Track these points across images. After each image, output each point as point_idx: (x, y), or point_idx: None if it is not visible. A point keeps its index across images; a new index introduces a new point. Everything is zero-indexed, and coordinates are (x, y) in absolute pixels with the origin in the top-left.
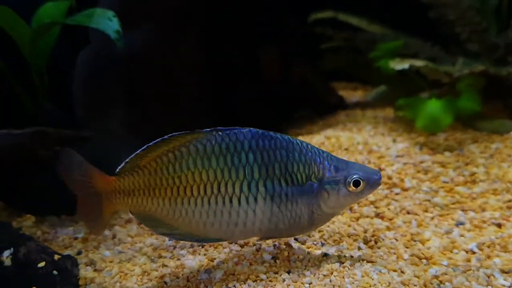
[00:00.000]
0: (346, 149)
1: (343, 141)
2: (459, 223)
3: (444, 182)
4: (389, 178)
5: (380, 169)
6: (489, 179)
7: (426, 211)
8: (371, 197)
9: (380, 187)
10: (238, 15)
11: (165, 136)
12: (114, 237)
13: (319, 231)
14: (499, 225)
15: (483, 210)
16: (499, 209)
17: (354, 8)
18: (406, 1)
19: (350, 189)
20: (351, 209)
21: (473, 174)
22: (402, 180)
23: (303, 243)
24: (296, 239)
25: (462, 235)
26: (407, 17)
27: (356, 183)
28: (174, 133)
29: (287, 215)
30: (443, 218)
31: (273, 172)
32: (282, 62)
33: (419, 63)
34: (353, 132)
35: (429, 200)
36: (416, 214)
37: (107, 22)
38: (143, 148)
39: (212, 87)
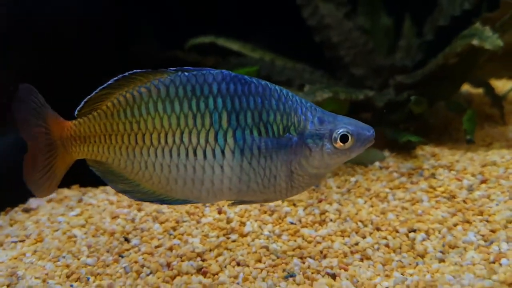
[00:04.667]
0: None
1: None
2: (289, 275)
3: (291, 223)
4: (229, 222)
5: (221, 212)
6: (340, 218)
7: (259, 261)
8: (199, 247)
9: (215, 233)
10: (84, 46)
11: (125, 73)
12: None
13: None
14: (333, 276)
15: (324, 256)
16: (342, 255)
17: (250, 34)
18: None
19: (337, 145)
20: (168, 265)
21: (324, 213)
22: (242, 224)
23: None
24: None
25: None
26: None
27: (344, 138)
28: (135, 70)
29: (260, 173)
30: (274, 269)
31: (244, 121)
32: None
33: None
34: None
35: (266, 247)
36: (246, 265)
37: None
38: (103, 86)
39: None
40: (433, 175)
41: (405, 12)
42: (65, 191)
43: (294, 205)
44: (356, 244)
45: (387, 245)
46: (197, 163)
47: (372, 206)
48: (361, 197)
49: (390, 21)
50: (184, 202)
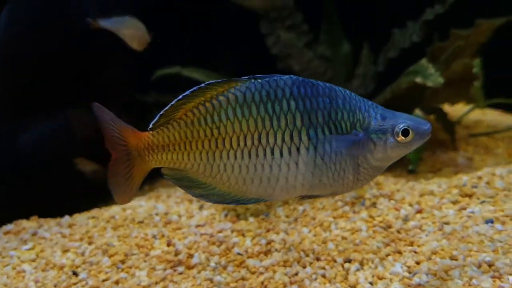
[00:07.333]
0: (140, 222)
1: (140, 212)
2: None
3: (238, 254)
4: (177, 254)
5: (170, 244)
6: (285, 248)
7: None
8: (145, 280)
9: (162, 266)
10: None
11: (202, 85)
12: None
13: None
14: None
15: (265, 287)
16: (281, 286)
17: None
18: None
19: (399, 139)
20: None
21: (270, 242)
22: (190, 256)
23: None
24: None
25: None
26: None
27: (405, 132)
28: (210, 81)
29: (331, 168)
30: None
31: (316, 120)
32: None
33: None
34: (160, 199)
35: (211, 279)
36: None
37: None
38: (178, 98)
39: None
40: (374, 205)
41: (366, 39)
42: (23, 223)
43: (243, 235)
44: (296, 274)
45: (323, 275)
46: (274, 162)
47: (315, 235)
48: (306, 226)
49: (350, 49)
50: (258, 201)
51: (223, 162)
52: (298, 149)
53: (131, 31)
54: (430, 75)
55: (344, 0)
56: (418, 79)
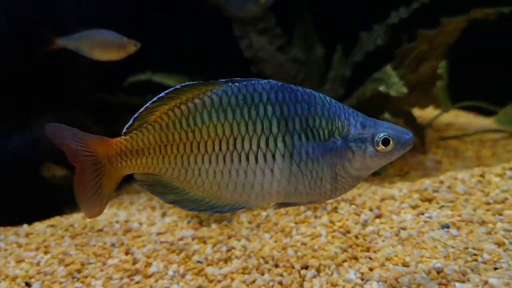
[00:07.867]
0: (99, 231)
1: (100, 220)
2: None
3: (197, 262)
4: (135, 263)
5: (128, 253)
6: (245, 255)
7: None
8: None
9: (119, 275)
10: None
11: (177, 86)
12: None
13: None
14: None
15: None
16: None
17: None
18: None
19: (379, 148)
20: None
21: (230, 249)
22: (148, 265)
23: None
24: None
25: None
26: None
27: (385, 142)
28: (187, 83)
29: (308, 176)
30: None
31: (293, 127)
32: None
33: None
34: (122, 206)
35: None
36: None
37: None
38: (153, 100)
39: None
40: (335, 209)
41: (340, 41)
42: None
43: (204, 242)
44: (254, 281)
45: (280, 283)
46: (249, 168)
47: (276, 241)
48: (268, 232)
49: (323, 52)
50: (233, 208)
51: (198, 166)
52: (273, 156)
53: (91, 45)
54: (394, 84)
55: (318, 2)
56: (382, 88)
